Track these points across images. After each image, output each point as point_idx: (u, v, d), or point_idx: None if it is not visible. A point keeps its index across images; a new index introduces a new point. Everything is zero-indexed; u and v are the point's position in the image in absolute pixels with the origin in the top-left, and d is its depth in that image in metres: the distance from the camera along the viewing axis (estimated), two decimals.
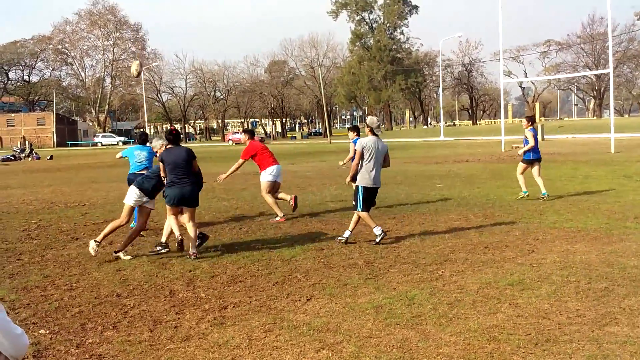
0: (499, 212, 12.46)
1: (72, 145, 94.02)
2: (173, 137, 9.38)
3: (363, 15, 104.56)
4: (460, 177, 20.26)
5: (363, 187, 9.55)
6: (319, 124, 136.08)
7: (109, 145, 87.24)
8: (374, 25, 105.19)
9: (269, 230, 11.17)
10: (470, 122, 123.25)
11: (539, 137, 15.50)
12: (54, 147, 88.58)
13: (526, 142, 14.01)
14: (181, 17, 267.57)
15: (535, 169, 14.16)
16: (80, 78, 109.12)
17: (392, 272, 7.80)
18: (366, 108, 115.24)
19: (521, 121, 15.38)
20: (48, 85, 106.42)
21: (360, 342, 5.37)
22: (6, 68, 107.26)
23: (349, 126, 11.42)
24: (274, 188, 12.44)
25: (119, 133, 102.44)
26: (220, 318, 6.22)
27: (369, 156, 9.52)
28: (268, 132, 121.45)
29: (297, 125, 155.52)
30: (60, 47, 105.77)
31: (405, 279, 7.41)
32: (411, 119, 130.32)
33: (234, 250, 9.45)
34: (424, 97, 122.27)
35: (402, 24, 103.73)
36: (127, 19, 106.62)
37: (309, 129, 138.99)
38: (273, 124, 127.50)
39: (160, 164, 9.29)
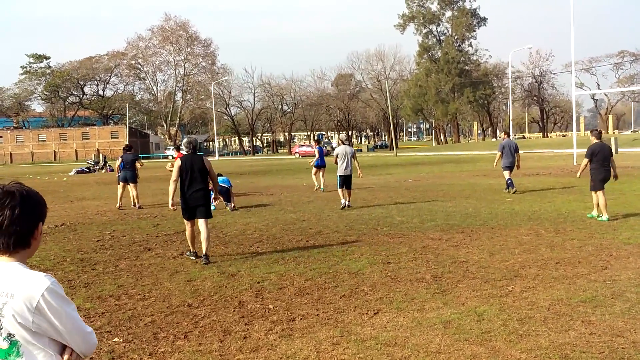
0: (570, 227, 12.17)
1: (144, 157, 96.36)
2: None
3: (430, 28, 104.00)
4: (530, 190, 19.87)
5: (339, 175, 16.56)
6: (384, 136, 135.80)
7: None
8: (441, 38, 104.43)
9: (335, 243, 11.21)
10: (541, 134, 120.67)
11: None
12: None
13: None
14: (250, 33, 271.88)
15: None
16: (153, 92, 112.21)
17: (460, 287, 7.72)
18: (433, 120, 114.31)
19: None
20: (121, 100, 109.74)
21: (429, 357, 5.33)
22: (82, 83, 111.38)
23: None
24: None
25: None
26: (289, 330, 6.28)
27: (343, 157, 16.51)
28: (334, 145, 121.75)
29: (362, 138, 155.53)
30: (133, 62, 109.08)
31: (474, 295, 7.32)
32: (479, 132, 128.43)
33: (301, 263, 9.53)
34: (492, 110, 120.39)
35: (470, 36, 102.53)
36: (198, 34, 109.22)
37: (374, 141, 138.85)
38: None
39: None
